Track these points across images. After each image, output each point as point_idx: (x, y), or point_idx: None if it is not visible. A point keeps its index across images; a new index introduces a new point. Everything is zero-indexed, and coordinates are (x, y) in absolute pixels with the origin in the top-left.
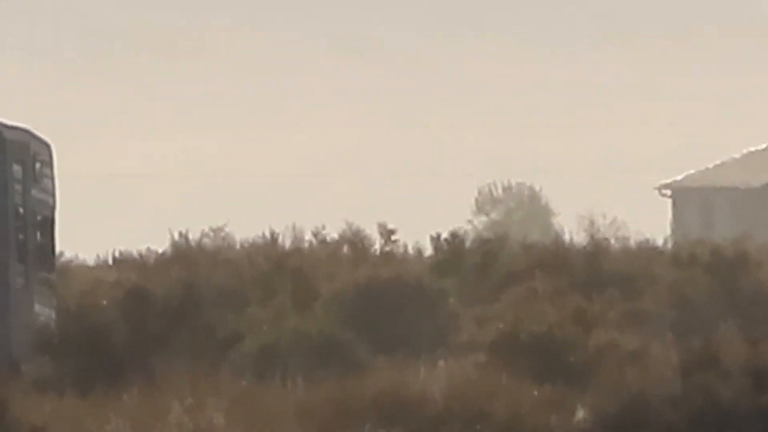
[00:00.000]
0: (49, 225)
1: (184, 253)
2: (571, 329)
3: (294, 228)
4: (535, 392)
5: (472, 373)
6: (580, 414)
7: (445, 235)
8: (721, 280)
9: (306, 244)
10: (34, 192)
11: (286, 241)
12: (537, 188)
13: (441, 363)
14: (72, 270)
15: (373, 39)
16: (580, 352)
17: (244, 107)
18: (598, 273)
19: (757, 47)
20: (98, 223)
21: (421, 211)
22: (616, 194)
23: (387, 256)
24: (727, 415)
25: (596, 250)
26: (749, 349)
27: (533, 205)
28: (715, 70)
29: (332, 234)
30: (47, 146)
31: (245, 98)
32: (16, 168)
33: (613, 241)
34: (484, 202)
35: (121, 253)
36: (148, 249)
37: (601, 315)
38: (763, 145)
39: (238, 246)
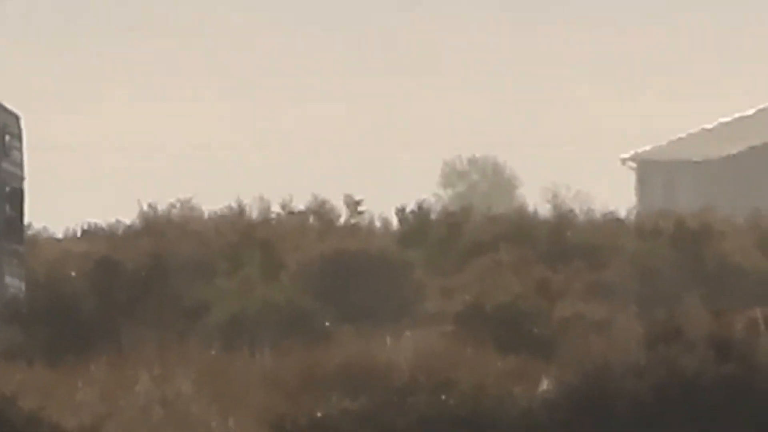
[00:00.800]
0: (18, 197)
1: (152, 225)
2: (536, 300)
3: (261, 200)
4: (499, 363)
5: (438, 343)
6: (544, 385)
7: (410, 207)
8: (684, 252)
9: (273, 216)
10: (3, 164)
11: (253, 213)
12: (501, 161)
13: (407, 333)
14: (41, 242)
15: (338, 13)
16: (544, 323)
17: (212, 80)
18: (563, 244)
19: (721, 21)
20: (66, 195)
21: (386, 184)
22: (580, 166)
23: (353, 228)
24: (691, 385)
25: (560, 222)
26: (712, 321)
27: (497, 178)
28: (680, 42)
29: (299, 206)
30: (16, 118)
31: (214, 71)
32: None
33: (577, 212)
34: (450, 174)
35: (89, 225)
36: (117, 221)
37: (566, 286)
38: (727, 118)
39: (205, 217)
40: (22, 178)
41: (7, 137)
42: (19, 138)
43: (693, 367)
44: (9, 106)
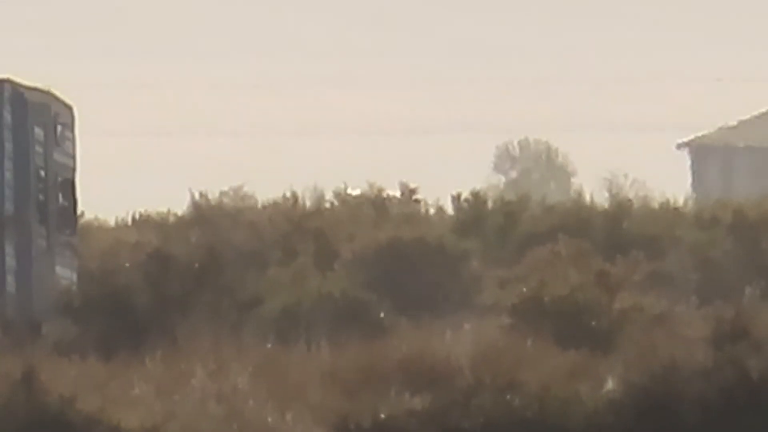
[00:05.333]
0: (70, 187)
1: (204, 214)
2: (595, 292)
3: (315, 187)
4: (561, 359)
5: (498, 338)
6: (610, 384)
7: (465, 194)
8: (743, 242)
9: (327, 205)
10: (55, 155)
11: (306, 201)
12: (554, 146)
13: (466, 326)
14: (92, 230)
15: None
16: (603, 316)
17: (273, 63)
18: (621, 235)
19: None
20: (116, 182)
21: (439, 169)
22: (635, 152)
23: (408, 216)
24: (757, 387)
25: (618, 212)
26: None
27: (550, 164)
28: (736, 25)
29: (354, 193)
30: (69, 108)
31: (278, 57)
32: (38, 131)
33: (634, 201)
34: (503, 160)
35: (140, 214)
36: (168, 210)
37: (625, 277)
38: None
39: (258, 206)
40: (73, 169)
41: (60, 127)
42: (72, 128)
43: (760, 368)
44: (62, 96)
